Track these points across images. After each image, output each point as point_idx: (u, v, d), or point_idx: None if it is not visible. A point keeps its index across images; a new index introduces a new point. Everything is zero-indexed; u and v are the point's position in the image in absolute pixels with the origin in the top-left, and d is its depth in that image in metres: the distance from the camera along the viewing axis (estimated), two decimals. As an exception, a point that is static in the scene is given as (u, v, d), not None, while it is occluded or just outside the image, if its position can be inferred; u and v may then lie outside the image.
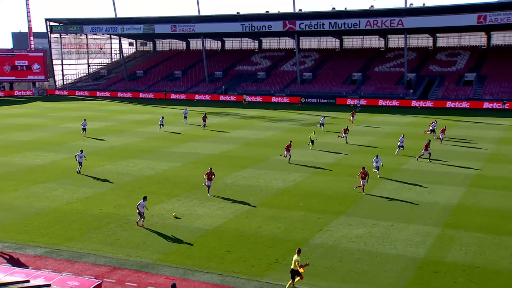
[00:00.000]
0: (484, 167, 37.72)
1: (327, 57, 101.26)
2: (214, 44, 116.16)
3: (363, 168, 31.48)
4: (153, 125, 60.56)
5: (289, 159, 39.62)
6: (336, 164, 39.25)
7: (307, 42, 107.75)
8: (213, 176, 30.81)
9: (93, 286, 15.06)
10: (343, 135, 48.14)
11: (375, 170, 34.53)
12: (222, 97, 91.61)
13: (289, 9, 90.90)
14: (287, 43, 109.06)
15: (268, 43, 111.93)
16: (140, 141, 50.17)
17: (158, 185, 33.43)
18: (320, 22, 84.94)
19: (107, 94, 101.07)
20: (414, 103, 78.06)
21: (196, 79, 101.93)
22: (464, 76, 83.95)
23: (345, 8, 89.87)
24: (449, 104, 76.06)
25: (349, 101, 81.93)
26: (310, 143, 45.46)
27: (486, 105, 74.07)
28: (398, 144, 42.77)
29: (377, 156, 34.97)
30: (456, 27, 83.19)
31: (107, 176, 35.87)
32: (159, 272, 20.54)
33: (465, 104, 75.15)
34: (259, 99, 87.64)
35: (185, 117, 61.91)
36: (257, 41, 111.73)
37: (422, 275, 20.07)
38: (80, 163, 36.53)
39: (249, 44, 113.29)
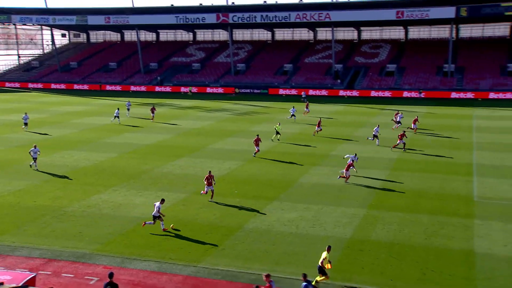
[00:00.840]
0: (401, 152, 39.29)
1: (259, 49, 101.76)
2: (149, 36, 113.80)
3: (352, 160, 31.35)
4: (89, 116, 58.69)
5: (255, 153, 37.61)
6: (269, 151, 39.64)
7: (240, 34, 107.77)
8: (213, 181, 27.64)
9: (27, 279, 14.47)
10: (318, 128, 46.04)
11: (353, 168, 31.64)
12: (158, 88, 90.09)
13: (223, 2, 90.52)
14: (221, 35, 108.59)
15: (203, 35, 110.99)
16: (76, 132, 48.53)
17: (95, 176, 32.51)
18: (252, 15, 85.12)
19: (40, 85, 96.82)
20: (341, 93, 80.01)
21: (131, 70, 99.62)
22: (386, 67, 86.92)
23: (276, 2, 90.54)
24: (373, 93, 78.55)
25: (281, 91, 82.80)
26: (275, 134, 43.95)
27: (406, 94, 77.08)
28: (373, 133, 42.09)
29: (355, 154, 32.92)
30: (378, 21, 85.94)
31: (42, 168, 34.47)
32: (96, 262, 20.05)
33: (387, 93, 77.88)
34: (194, 90, 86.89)
35: (128, 109, 60.16)
36: (191, 33, 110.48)
37: (349, 254, 20.73)
38: (34, 159, 34.13)
39: (184, 36, 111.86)
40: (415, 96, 75.65)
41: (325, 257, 17.97)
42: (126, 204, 26.88)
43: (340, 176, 31.24)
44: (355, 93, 79.49)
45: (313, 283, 17.89)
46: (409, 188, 29.43)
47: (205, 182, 27.44)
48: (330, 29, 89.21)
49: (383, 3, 78.75)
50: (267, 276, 16.31)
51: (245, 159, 37.00)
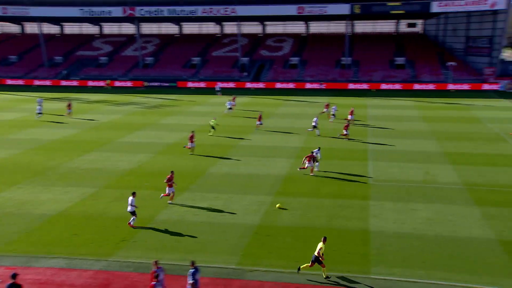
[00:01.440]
0: (306, 140, 40.63)
1: (167, 42, 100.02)
2: (53, 29, 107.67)
3: (312, 152, 31.01)
4: (-11, 112, 54.63)
5: (193, 150, 35.94)
6: (178, 143, 39.26)
7: (148, 28, 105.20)
8: (174, 183, 25.71)
9: None
10: (258, 122, 44.78)
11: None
12: (64, 82, 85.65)
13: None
14: (128, 28, 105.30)
15: (109, 28, 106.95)
16: (-25, 129, 45.04)
17: (-3, 174, 30.44)
18: (159, 9, 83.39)
19: None
20: (248, 85, 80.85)
21: (34, 64, 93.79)
22: (290, 60, 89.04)
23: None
24: (278, 85, 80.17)
25: (190, 84, 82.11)
26: (211, 129, 42.67)
27: (308, 85, 79.49)
28: (313, 124, 42.71)
29: (319, 148, 32.68)
30: (281, 16, 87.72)
31: None
32: None
33: (291, 85, 79.84)
34: (102, 83, 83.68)
35: (40, 106, 56.02)
36: (98, 26, 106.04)
37: (257, 239, 21.18)
38: None
39: (90, 29, 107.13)
40: (317, 87, 78.26)
41: (321, 248, 17.90)
42: (31, 201, 25.48)
43: (300, 168, 30.73)
44: (261, 85, 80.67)
45: (301, 268, 18.25)
46: (312, 175, 30.50)
47: (167, 183, 25.50)
48: (236, 23, 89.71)
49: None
50: (155, 263, 16.26)
51: (155, 152, 36.38)
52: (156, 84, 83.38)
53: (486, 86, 74.30)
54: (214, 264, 19.03)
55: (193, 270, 16.10)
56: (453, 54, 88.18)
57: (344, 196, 26.34)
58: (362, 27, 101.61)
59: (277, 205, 24.77)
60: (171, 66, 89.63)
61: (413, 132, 43.17)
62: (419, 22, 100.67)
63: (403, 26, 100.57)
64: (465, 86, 74.80)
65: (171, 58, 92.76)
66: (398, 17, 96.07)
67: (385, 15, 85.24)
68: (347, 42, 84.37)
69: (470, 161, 33.22)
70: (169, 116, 52.30)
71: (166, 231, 21.94)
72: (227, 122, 47.91)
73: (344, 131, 41.04)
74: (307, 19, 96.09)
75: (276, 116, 51.56)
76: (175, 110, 56.55)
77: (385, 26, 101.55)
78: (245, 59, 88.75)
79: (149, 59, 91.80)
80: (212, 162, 33.34)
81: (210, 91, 74.90)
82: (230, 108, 54.26)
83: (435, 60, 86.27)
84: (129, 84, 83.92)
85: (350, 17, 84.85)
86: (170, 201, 25.48)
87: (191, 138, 35.92)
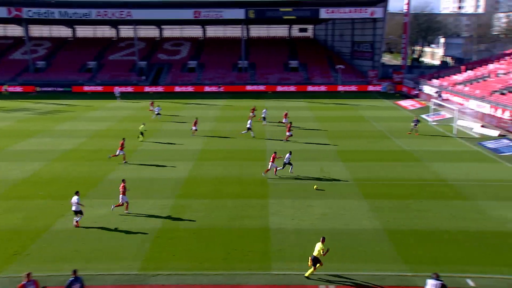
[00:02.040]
0: (208, 142, 40.59)
1: (60, 46, 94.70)
2: None
3: (275, 153, 30.71)
4: None
5: (124, 158, 34.02)
6: (76, 150, 37.33)
7: (38, 30, 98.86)
8: (127, 190, 24.48)
9: None
10: (194, 128, 43.27)
11: (286, 167, 31.12)
12: None
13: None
14: (16, 30, 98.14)
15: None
16: None
17: None
18: (49, 11, 78.63)
19: None
20: (147, 89, 79.00)
21: None
22: (187, 64, 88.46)
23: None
24: (177, 88, 79.26)
25: (86, 88, 78.43)
26: (141, 134, 40.70)
27: (207, 88, 79.51)
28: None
29: (290, 152, 31.69)
30: (177, 20, 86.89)
31: None
32: None
33: (190, 88, 79.32)
34: (10, 89, 77.19)
35: None
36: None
37: (160, 243, 20.74)
38: None
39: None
40: (216, 90, 78.51)
41: (321, 248, 17.92)
42: None
43: (267, 171, 30.38)
44: (160, 89, 79.23)
45: (307, 274, 17.93)
46: (214, 176, 30.52)
47: (121, 191, 24.03)
48: (133, 27, 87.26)
49: (181, 3, 79.76)
50: (27, 275, 15.32)
51: (50, 159, 34.26)
52: (49, 89, 78.57)
53: (370, 88, 79.26)
54: (115, 271, 18.32)
55: (71, 279, 15.33)
56: (341, 57, 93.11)
57: (245, 196, 26.64)
58: (257, 31, 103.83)
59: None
60: (65, 70, 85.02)
61: (308, 131, 44.82)
62: (310, 27, 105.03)
63: (296, 31, 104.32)
64: (353, 88, 79.18)
65: (65, 62, 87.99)
66: (290, 22, 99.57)
67: (278, 20, 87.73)
68: (243, 46, 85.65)
69: (359, 158, 35.18)
70: (65, 122, 49.56)
71: (63, 241, 20.73)
72: (136, 126, 46.38)
73: (287, 132, 41.50)
74: (203, 23, 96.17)
75: (168, 117, 50.89)
76: (71, 116, 53.72)
77: (279, 31, 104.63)
78: (142, 63, 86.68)
79: (41, 63, 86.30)
80: (111, 168, 32.10)
81: (107, 95, 72.12)
82: (158, 114, 52.43)
83: (325, 63, 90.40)
84: (19, 89, 78.26)
85: (245, 22, 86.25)
86: (126, 211, 24.14)
87: (122, 145, 33.94)
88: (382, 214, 23.85)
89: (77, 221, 22.37)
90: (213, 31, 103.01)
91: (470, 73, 68.92)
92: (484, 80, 62.51)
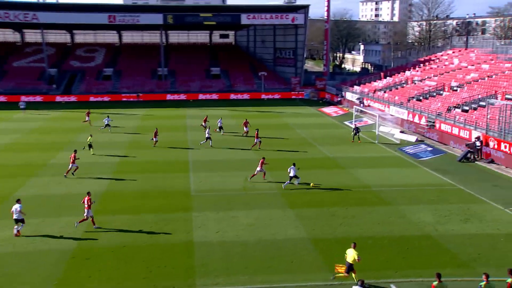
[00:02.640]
0: (127, 153, 39.66)
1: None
2: None
3: (263, 158, 32.17)
4: None
5: (74, 170, 32.89)
6: (-24, 166, 34.99)
7: None
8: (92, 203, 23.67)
9: None
10: (154, 139, 42.53)
11: (292, 181, 30.54)
12: None
13: None
14: None
15: None
16: None
17: None
18: None
19: None
20: (58, 98, 75.71)
21: None
22: (103, 71, 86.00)
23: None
24: (92, 98, 76.71)
25: (-12, 98, 73.79)
26: (89, 148, 39.15)
27: (125, 97, 77.59)
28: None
29: (294, 164, 31.00)
30: (91, 25, 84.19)
31: None
32: None
33: (106, 98, 77.08)
34: None
35: None
36: None
37: (75, 264, 19.91)
38: None
39: None
40: (134, 99, 76.83)
41: (355, 254, 18.22)
42: None
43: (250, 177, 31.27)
44: (73, 98, 76.24)
45: (356, 281, 17.80)
46: (134, 190, 29.82)
47: (86, 205, 23.46)
48: (40, 31, 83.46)
49: (95, 6, 77.42)
50: None
51: None
52: None
53: (294, 95, 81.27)
54: (25, 299, 17.33)
55: None
56: (263, 64, 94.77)
57: (167, 210, 26.25)
58: (177, 37, 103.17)
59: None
60: (-37, 78, 79.60)
61: (231, 140, 45.06)
62: (231, 33, 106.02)
63: (217, 37, 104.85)
64: (276, 95, 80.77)
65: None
66: (211, 28, 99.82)
67: (198, 26, 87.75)
68: (163, 52, 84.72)
69: (284, 166, 35.87)
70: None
71: (-37, 269, 19.31)
72: (47, 139, 44.19)
73: (255, 139, 41.82)
74: (119, 28, 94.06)
75: (86, 132, 49.28)
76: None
77: (200, 37, 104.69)
78: (53, 70, 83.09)
79: None
80: (18, 184, 30.40)
81: (13, 105, 68.25)
82: (108, 125, 49.96)
83: (248, 70, 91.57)
84: None
85: (164, 27, 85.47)
86: (95, 226, 23.60)
87: (73, 158, 32.65)
88: (308, 223, 24.45)
89: (18, 230, 22.35)
90: (130, 37, 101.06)
91: (389, 79, 72.74)
92: (402, 87, 66.20)
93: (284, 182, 30.66)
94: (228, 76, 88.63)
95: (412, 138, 46.20)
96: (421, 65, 74.62)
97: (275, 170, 34.55)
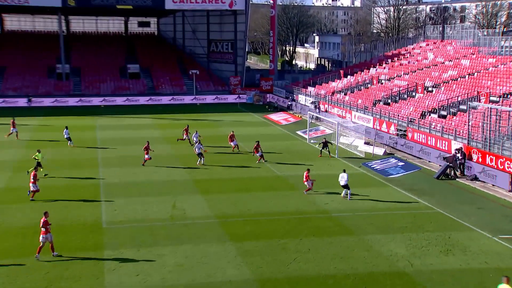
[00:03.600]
0: (10, 177, 38.39)
1: None
2: None
3: (308, 170, 35.14)
4: None
5: (31, 192, 33.27)
6: None
7: None
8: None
9: None
10: (146, 156, 42.50)
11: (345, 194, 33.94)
12: None
13: None
14: None
15: None
16: None
17: None
18: None
19: None
20: None
21: None
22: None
23: None
24: (-32, 103, 73.77)
25: None
26: (39, 167, 38.20)
27: (10, 101, 74.77)
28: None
29: (344, 170, 34.45)
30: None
31: None
32: None
33: (-15, 103, 74.28)
34: None
35: None
36: None
37: None
38: None
39: None
40: (25, 105, 74.50)
41: None
42: None
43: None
44: None
45: None
46: (21, 225, 28.77)
47: (43, 230, 24.35)
48: None
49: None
50: None
51: None
52: None
53: (233, 98, 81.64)
54: None
55: None
56: (195, 60, 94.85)
57: (68, 249, 25.45)
58: (82, 25, 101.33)
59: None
60: None
61: (156, 156, 44.61)
62: (153, 20, 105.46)
63: (135, 25, 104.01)
64: (211, 99, 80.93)
65: None
66: (126, 14, 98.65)
67: (109, 10, 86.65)
68: (62, 44, 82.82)
69: (222, 188, 35.83)
70: None
71: None
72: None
73: (257, 153, 43.28)
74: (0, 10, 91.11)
75: None
76: None
77: (113, 25, 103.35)
78: None
79: None
80: None
81: None
82: (69, 139, 49.02)
83: (175, 67, 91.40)
84: None
85: (63, 11, 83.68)
86: (54, 253, 24.56)
87: (34, 177, 33.44)
88: (253, 260, 24.43)
89: None
90: (16, 23, 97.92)
91: (350, 79, 74.56)
92: (366, 88, 68.01)
93: (341, 193, 33.97)
94: (150, 76, 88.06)
95: (380, 151, 47.38)
96: (389, 60, 77.01)
97: (212, 193, 34.40)
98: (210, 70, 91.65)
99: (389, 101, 59.38)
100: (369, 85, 68.56)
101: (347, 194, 33.83)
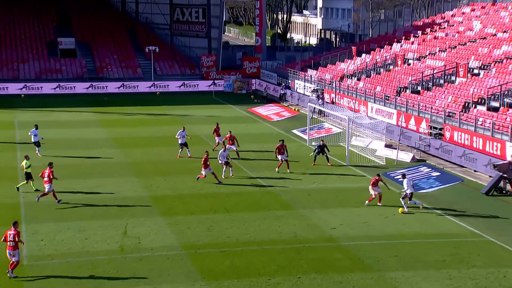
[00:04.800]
0: None
1: None
2: None
3: (378, 175, 36.73)
4: None
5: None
6: None
7: None
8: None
9: None
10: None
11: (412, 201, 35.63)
12: None
13: None
14: None
15: None
16: None
17: None
18: None
19: None
20: None
21: None
22: None
23: None
24: None
25: None
26: (26, 179, 39.30)
27: None
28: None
29: (404, 175, 36.54)
30: None
31: None
32: None
33: None
34: None
35: None
36: None
37: None
38: None
39: None
40: None
41: None
42: None
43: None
44: None
45: None
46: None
47: (10, 245, 26.21)
48: None
49: None
50: None
51: None
52: None
53: (206, 85, 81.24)
54: None
55: None
56: (154, 32, 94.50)
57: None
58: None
59: None
60: None
61: (102, 165, 44.41)
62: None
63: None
64: (176, 86, 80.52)
65: None
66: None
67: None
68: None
69: (191, 208, 35.62)
70: None
71: None
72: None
73: (279, 156, 43.93)
74: None
75: None
76: None
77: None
78: None
79: None
80: None
81: None
82: (37, 143, 48.51)
83: (126, 42, 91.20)
84: None
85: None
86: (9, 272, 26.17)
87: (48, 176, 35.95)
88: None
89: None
90: None
91: (365, 58, 74.44)
92: (388, 70, 68.00)
93: (416, 203, 35.50)
94: (90, 54, 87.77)
95: (406, 157, 47.35)
96: (419, 32, 76.90)
97: (175, 214, 34.23)
98: (174, 46, 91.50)
99: (419, 88, 59.36)
100: (391, 67, 68.62)
101: (418, 205, 35.85)
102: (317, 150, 45.71)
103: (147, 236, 31.43)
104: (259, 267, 27.84)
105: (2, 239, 26.56)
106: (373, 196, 36.12)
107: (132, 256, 29.06)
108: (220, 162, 41.99)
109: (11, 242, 25.94)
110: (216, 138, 49.04)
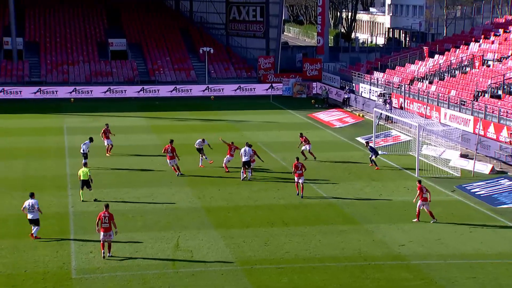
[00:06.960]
0: None
1: None
2: None
3: (419, 181, 36.94)
4: None
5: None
6: None
7: None
8: None
9: None
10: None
11: None
12: None
13: None
14: None
15: None
16: None
17: None
18: None
19: None
20: None
21: None
22: None
23: None
24: None
25: None
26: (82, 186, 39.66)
27: None
28: None
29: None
30: None
31: None
32: None
33: None
34: None
35: None
36: None
37: None
38: None
39: None
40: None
41: None
42: None
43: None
44: None
45: None
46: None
47: (103, 227, 30.28)
48: None
49: None
50: None
51: None
52: None
53: (263, 89, 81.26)
54: None
55: None
56: (208, 33, 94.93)
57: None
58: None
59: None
60: None
61: (151, 175, 44.75)
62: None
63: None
64: (231, 90, 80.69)
65: None
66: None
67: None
68: (13, 9, 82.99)
69: (247, 221, 35.72)
70: None
71: None
72: None
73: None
74: None
75: None
76: None
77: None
78: None
79: None
80: None
81: None
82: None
83: (179, 44, 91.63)
84: None
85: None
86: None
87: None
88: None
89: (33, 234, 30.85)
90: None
91: (438, 59, 73.89)
92: (464, 73, 67.36)
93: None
94: (142, 55, 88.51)
95: (485, 168, 46.82)
96: (500, 31, 75.93)
97: (229, 227, 34.37)
98: (229, 47, 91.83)
99: (500, 92, 58.68)
100: (468, 69, 68.02)
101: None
102: (372, 154, 46.17)
103: (200, 249, 31.62)
104: (319, 286, 27.83)
105: (97, 221, 30.45)
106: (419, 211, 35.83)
107: (184, 270, 29.28)
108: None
109: (104, 224, 29.86)
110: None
